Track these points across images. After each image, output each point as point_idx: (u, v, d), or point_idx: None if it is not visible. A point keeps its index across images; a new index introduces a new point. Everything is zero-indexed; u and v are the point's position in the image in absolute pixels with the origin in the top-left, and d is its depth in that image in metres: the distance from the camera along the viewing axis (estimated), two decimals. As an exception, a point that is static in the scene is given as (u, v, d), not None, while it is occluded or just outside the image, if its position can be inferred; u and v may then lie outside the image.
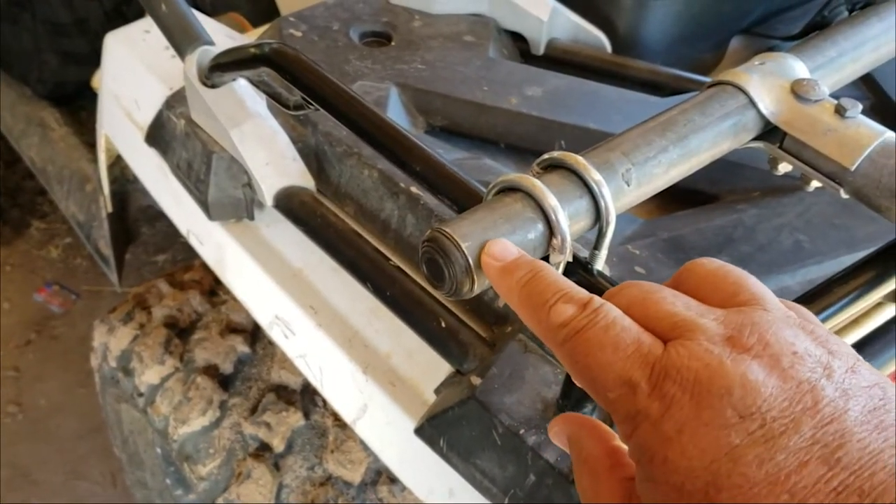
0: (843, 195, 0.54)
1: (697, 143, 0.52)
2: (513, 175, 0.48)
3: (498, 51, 0.90)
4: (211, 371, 1.07)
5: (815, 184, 0.56)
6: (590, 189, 0.48)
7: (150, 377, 1.10)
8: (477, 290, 0.45)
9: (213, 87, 0.74)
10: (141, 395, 1.12)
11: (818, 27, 1.01)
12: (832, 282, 0.56)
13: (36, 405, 1.91)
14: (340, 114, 0.60)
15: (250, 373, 1.08)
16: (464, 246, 0.44)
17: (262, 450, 1.02)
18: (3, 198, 2.28)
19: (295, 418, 1.01)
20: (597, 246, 0.50)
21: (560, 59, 0.93)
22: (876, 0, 1.04)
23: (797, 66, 0.58)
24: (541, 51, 0.93)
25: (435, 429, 0.61)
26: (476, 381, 0.59)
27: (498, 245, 0.43)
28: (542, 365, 0.60)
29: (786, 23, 1.06)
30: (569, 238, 0.47)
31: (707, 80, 0.90)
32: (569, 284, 0.38)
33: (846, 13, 1.01)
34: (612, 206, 0.48)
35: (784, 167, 0.57)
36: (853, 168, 0.51)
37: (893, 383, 0.32)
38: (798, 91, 0.54)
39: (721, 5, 0.99)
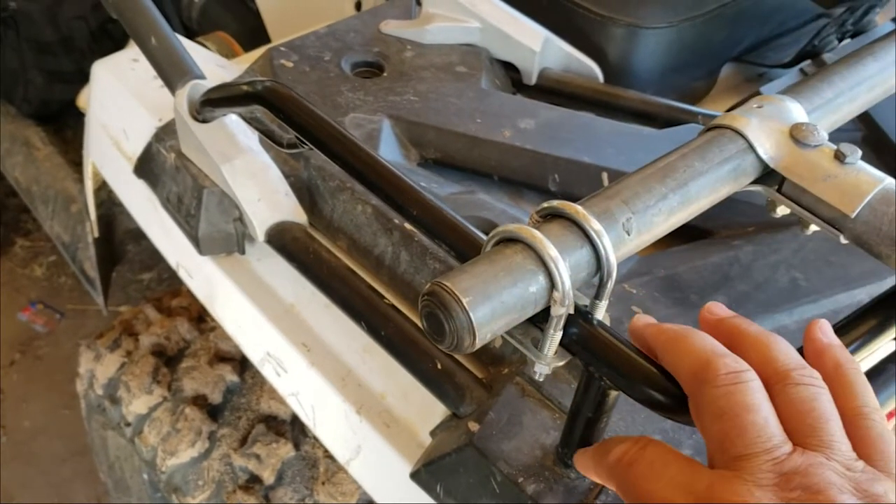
0: (843, 241, 0.54)
1: (697, 189, 0.52)
2: (512, 226, 0.47)
3: (490, 81, 0.90)
4: (199, 401, 1.05)
5: (813, 228, 0.56)
6: (590, 239, 0.47)
7: (138, 407, 1.08)
8: (478, 345, 0.45)
9: (203, 121, 0.73)
10: (128, 424, 1.11)
11: (809, 56, 1.01)
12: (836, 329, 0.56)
13: (20, 427, 1.89)
14: (336, 156, 0.59)
15: (239, 402, 1.06)
16: (465, 301, 0.43)
17: (252, 482, 1.00)
18: (-13, 216, 2.26)
19: (285, 450, 1.00)
20: (598, 296, 0.49)
21: (552, 89, 0.93)
22: (866, 29, 1.05)
23: (795, 109, 0.57)
24: (533, 81, 0.93)
25: (431, 474, 0.60)
26: (474, 426, 0.58)
27: (644, 317, 0.47)
28: (540, 410, 0.59)
29: (776, 50, 1.07)
30: (570, 291, 0.46)
31: (697, 110, 0.90)
32: (718, 344, 0.41)
33: (836, 42, 1.02)
34: (613, 257, 0.47)
35: (782, 210, 0.57)
36: (853, 215, 0.51)
37: None
38: (797, 136, 0.54)
39: (712, 34, 0.99)
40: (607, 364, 0.47)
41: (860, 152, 0.53)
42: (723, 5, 0.98)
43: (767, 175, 0.55)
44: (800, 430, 0.37)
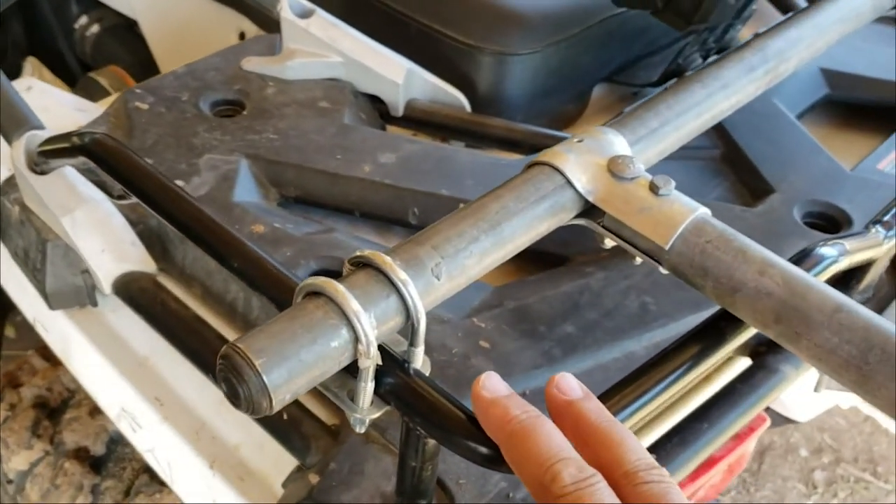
0: (663, 271, 0.54)
1: (511, 229, 0.51)
2: (318, 279, 0.46)
3: (355, 115, 0.89)
4: (81, 454, 1.02)
5: (639, 259, 0.56)
6: (396, 288, 0.46)
7: (18, 463, 1.04)
8: (277, 407, 0.44)
9: (42, 173, 0.71)
10: (10, 482, 1.06)
11: (675, 74, 1.03)
12: (667, 353, 0.56)
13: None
14: (158, 206, 0.57)
15: (123, 453, 1.03)
16: (258, 364, 0.42)
17: (138, 535, 0.97)
18: None
19: (170, 498, 0.97)
20: (412, 342, 0.49)
21: (419, 120, 0.93)
22: (728, 46, 1.07)
23: (617, 142, 0.58)
24: (399, 112, 0.92)
25: (276, 529, 0.59)
26: (314, 479, 0.57)
27: (491, 379, 0.44)
28: (382, 456, 0.58)
29: (646, 69, 1.08)
30: (374, 343, 0.45)
31: (562, 134, 0.91)
32: (562, 447, 0.39)
33: (700, 60, 1.04)
34: (421, 304, 0.47)
35: (609, 242, 0.57)
36: (667, 247, 0.52)
37: None
38: (613, 169, 0.54)
39: (579, 57, 1.00)
40: (421, 414, 0.47)
41: (673, 182, 0.53)
42: (587, 28, 0.99)
43: (590, 209, 0.56)
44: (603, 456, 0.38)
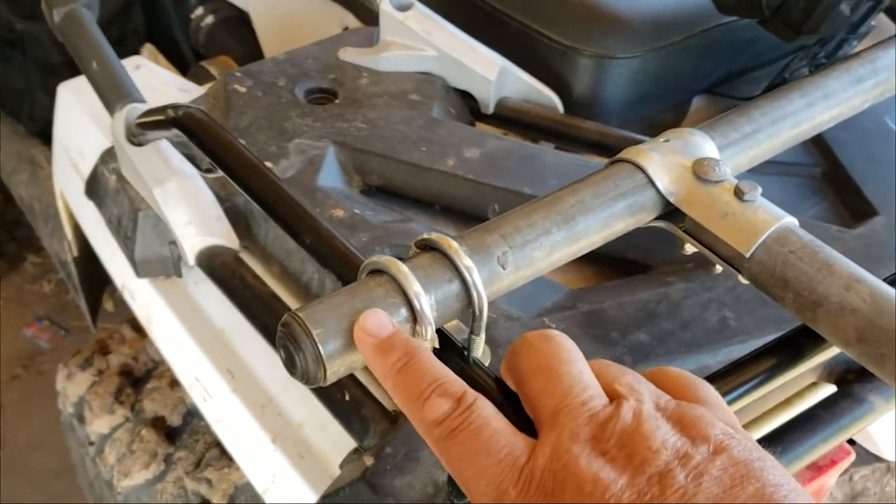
0: (743, 281, 0.52)
1: (586, 224, 0.50)
2: (382, 257, 0.46)
3: (444, 110, 0.89)
4: (158, 423, 1.05)
5: (719, 266, 0.54)
6: (460, 273, 0.46)
7: (100, 426, 1.09)
8: (331, 378, 0.44)
9: (139, 144, 0.74)
10: (92, 443, 1.11)
11: (780, 89, 0.99)
12: (739, 364, 0.54)
13: (16, 441, 1.91)
14: (240, 180, 0.58)
15: (198, 426, 1.06)
16: (315, 333, 0.42)
17: (204, 506, 0.99)
18: (0, 232, 2.30)
19: (238, 475, 0.99)
20: (473, 330, 0.48)
21: (510, 118, 0.92)
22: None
23: (705, 144, 0.56)
24: (490, 110, 0.92)
25: (328, 508, 0.59)
26: (369, 461, 0.57)
27: (372, 318, 0.42)
28: (439, 445, 0.58)
29: (750, 83, 1.04)
30: (432, 325, 0.45)
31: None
32: (444, 373, 0.38)
33: (807, 73, 0.99)
34: (484, 292, 0.46)
35: (690, 248, 0.55)
36: (748, 255, 0.49)
37: (765, 456, 0.32)
38: (698, 171, 0.52)
39: (680, 65, 0.98)
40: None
41: (760, 189, 0.51)
42: (691, 35, 0.96)
43: (671, 212, 0.54)
44: (607, 384, 0.37)
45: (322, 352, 0.42)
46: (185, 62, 1.81)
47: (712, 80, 1.02)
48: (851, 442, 0.80)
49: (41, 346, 2.09)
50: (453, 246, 0.46)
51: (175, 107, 0.66)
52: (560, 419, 0.35)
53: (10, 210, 2.33)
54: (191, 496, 1.00)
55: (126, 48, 1.93)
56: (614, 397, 0.36)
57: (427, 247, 0.48)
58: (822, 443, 0.62)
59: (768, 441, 0.59)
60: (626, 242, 0.69)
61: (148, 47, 1.84)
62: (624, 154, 0.54)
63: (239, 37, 1.77)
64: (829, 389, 0.67)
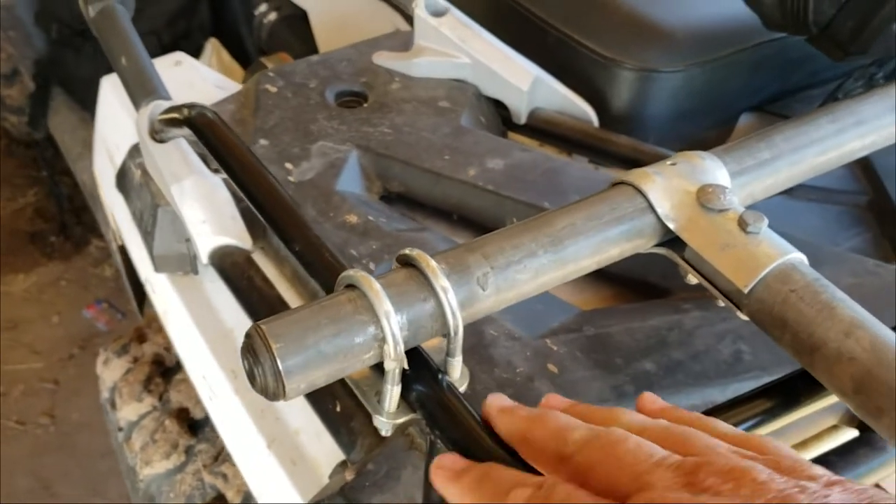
0: (742, 317, 0.49)
1: (576, 248, 0.48)
2: (357, 272, 0.45)
3: (474, 118, 0.87)
4: (182, 414, 1.07)
5: (721, 301, 0.51)
6: (435, 293, 0.44)
7: (129, 413, 1.11)
8: (291, 395, 0.43)
9: (161, 141, 0.74)
10: (121, 429, 1.13)
11: (833, 110, 0.94)
12: (732, 403, 0.51)
13: (68, 419, 1.97)
14: (239, 182, 0.58)
15: (221, 420, 1.07)
16: (275, 348, 0.42)
17: (219, 500, 1.00)
18: (68, 215, 2.38)
19: (254, 472, 1.00)
20: (449, 352, 0.47)
21: (542, 129, 0.90)
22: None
23: (715, 170, 0.53)
24: (522, 120, 0.90)
25: (307, 520, 0.58)
26: (350, 475, 0.56)
27: (447, 459, 0.41)
28: (422, 465, 0.56)
29: (804, 102, 1.00)
30: (401, 344, 0.43)
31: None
32: (517, 473, 0.38)
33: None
34: (459, 314, 0.45)
35: (692, 279, 0.52)
36: (746, 291, 0.46)
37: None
38: (702, 198, 0.50)
39: (726, 81, 0.94)
40: (443, 428, 0.44)
41: (766, 220, 0.48)
42: (740, 50, 0.93)
43: (672, 239, 0.51)
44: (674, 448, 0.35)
45: (281, 367, 0.41)
46: (247, 57, 1.84)
47: (762, 98, 0.98)
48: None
49: (98, 327, 2.15)
50: (431, 264, 0.45)
51: (190, 106, 0.66)
52: (647, 477, 0.33)
53: (78, 195, 2.41)
54: (208, 489, 1.01)
55: (191, 42, 1.97)
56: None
57: (406, 263, 0.46)
58: (834, 492, 0.58)
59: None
60: (645, 265, 0.66)
61: (212, 42, 1.87)
62: (625, 176, 0.52)
63: (300, 34, 1.79)
64: (851, 434, 0.63)
